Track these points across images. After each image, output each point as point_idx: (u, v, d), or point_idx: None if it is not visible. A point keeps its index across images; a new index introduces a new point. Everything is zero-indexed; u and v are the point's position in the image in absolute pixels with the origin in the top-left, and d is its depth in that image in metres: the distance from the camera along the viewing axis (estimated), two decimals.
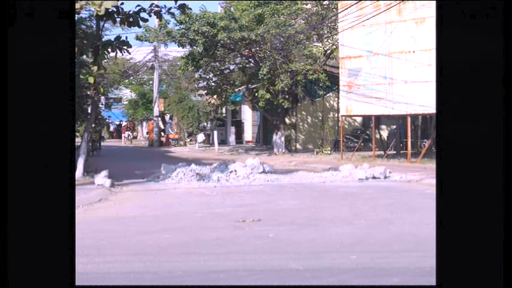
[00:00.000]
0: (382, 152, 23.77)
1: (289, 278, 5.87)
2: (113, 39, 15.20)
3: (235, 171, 15.63)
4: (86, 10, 15.83)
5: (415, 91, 19.97)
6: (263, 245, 7.47)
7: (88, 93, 18.84)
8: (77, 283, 4.27)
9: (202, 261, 6.58)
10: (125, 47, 15.01)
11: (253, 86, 27.51)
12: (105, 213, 10.46)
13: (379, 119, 25.47)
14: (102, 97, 31.71)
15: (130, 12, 14.58)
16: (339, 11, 23.25)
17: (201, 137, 38.31)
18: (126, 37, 14.95)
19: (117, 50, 14.98)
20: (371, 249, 7.17)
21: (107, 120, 40.31)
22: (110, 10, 13.81)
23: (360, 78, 21.82)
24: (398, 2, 20.38)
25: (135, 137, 52.51)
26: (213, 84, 28.74)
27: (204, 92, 31.58)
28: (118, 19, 14.46)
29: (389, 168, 16.63)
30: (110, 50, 14.92)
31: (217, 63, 27.39)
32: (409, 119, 21.32)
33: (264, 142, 33.78)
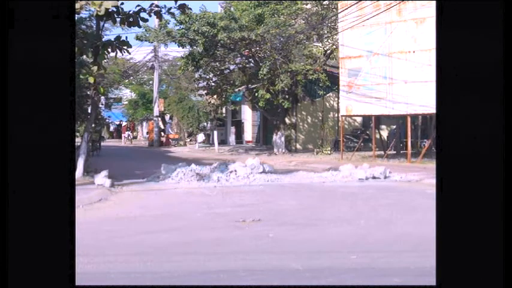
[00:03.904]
0: (382, 152, 23.77)
1: (289, 278, 5.87)
2: (113, 39, 15.20)
3: (235, 171, 15.63)
4: (86, 10, 15.82)
5: (415, 91, 19.97)
6: (263, 245, 7.47)
7: (88, 93, 18.82)
8: (77, 283, 4.26)
9: (202, 261, 6.58)
10: (125, 47, 15.00)
11: (253, 86, 27.51)
12: (105, 213, 10.46)
13: (379, 119, 25.46)
14: (102, 97, 31.66)
15: (131, 12, 14.57)
16: (339, 11, 23.25)
17: (201, 137, 38.29)
18: (126, 37, 14.95)
19: (117, 50, 14.98)
20: (371, 249, 7.18)
21: (107, 120, 40.26)
22: (110, 10, 13.81)
23: (360, 78, 21.82)
24: (398, 2, 20.38)
25: (135, 137, 52.49)
26: (213, 84, 28.73)
27: (204, 92, 31.57)
28: (118, 19, 14.46)
29: (389, 168, 16.63)
30: (110, 50, 14.92)
31: (217, 63, 27.38)
32: (409, 119, 21.32)
33: (264, 142, 33.77)
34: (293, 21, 25.66)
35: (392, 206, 10.78)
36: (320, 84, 26.62)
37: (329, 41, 27.06)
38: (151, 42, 31.41)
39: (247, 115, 37.01)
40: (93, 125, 17.95)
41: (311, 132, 30.55)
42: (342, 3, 22.90)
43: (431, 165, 18.32)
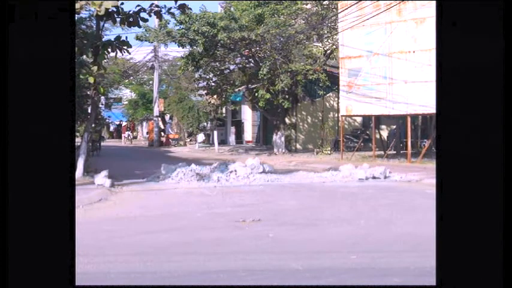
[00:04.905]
0: (382, 152, 23.76)
1: (289, 278, 5.87)
2: (113, 39, 15.20)
3: (235, 171, 15.63)
4: (86, 10, 15.83)
5: (415, 91, 19.97)
6: (263, 245, 7.47)
7: (88, 93, 18.83)
8: (77, 283, 4.26)
9: (202, 261, 6.58)
10: (125, 47, 15.01)
11: (253, 86, 27.51)
12: (105, 213, 10.46)
13: (379, 119, 25.46)
14: (102, 97, 31.69)
15: (131, 12, 14.58)
16: (339, 11, 23.25)
17: (201, 137, 38.29)
18: (126, 37, 14.96)
19: (117, 50, 14.98)
20: (371, 249, 7.18)
21: (107, 120, 40.27)
22: (110, 10, 13.81)
23: (360, 78, 21.82)
24: (398, 2, 20.38)
25: (135, 137, 52.49)
26: (213, 84, 28.73)
27: (204, 92, 31.58)
28: (118, 19, 14.47)
29: (389, 168, 16.63)
30: (110, 50, 14.92)
31: (217, 63, 27.38)
32: (409, 119, 21.32)
33: (264, 142, 33.77)
34: (293, 21, 25.65)
35: (393, 206, 10.77)
36: (320, 84, 26.62)
37: (329, 41, 27.05)
38: (151, 42, 31.41)
39: (247, 115, 37.00)
40: (93, 125, 17.95)
41: (311, 132, 30.54)
42: (342, 3, 22.90)
43: (431, 165, 18.32)
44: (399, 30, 20.57)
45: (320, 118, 30.40)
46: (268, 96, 25.40)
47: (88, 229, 8.37)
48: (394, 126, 26.59)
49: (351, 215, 9.84)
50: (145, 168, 18.66)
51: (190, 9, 16.95)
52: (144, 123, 51.38)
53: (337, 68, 24.18)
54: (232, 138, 37.71)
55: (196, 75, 29.83)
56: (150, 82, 46.27)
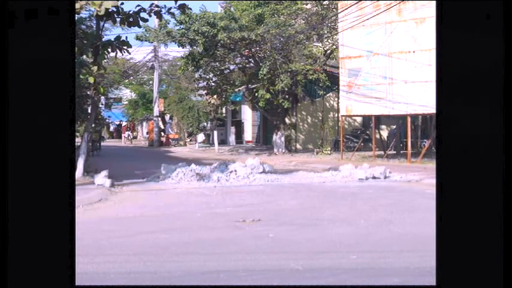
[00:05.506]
0: (382, 152, 23.77)
1: (289, 278, 5.87)
2: (113, 39, 15.21)
3: (235, 171, 15.63)
4: (86, 10, 15.84)
5: (415, 91, 19.98)
6: (263, 245, 7.47)
7: (88, 93, 18.84)
8: (77, 283, 4.27)
9: (202, 261, 6.58)
10: (125, 47, 15.02)
11: (253, 86, 27.51)
12: (105, 213, 10.46)
13: (379, 119, 25.47)
14: (102, 97, 31.66)
15: (131, 12, 14.59)
16: (339, 11, 23.25)
17: (201, 137, 38.29)
18: (126, 37, 14.97)
19: (117, 50, 14.99)
20: (371, 249, 7.18)
21: (107, 120, 40.27)
22: (110, 10, 13.82)
23: (360, 78, 21.82)
24: (398, 2, 20.38)
25: (135, 137, 52.50)
26: (213, 84, 28.73)
27: (204, 92, 31.59)
28: (118, 19, 14.48)
29: (389, 168, 16.62)
30: (110, 50, 14.93)
31: (217, 63, 27.38)
32: (409, 119, 21.32)
33: (264, 142, 33.78)
34: (293, 21, 25.65)
35: (393, 206, 10.77)
36: (320, 84, 26.63)
37: (329, 41, 27.06)
38: (151, 42, 31.43)
39: (247, 115, 37.01)
40: (93, 125, 17.96)
41: (311, 132, 30.55)
42: (342, 3, 22.91)
43: (431, 165, 18.32)
44: (399, 30, 20.57)
45: (320, 118, 30.40)
46: (268, 96, 25.40)
47: (88, 229, 8.37)
48: (394, 126, 26.59)
49: (351, 215, 9.84)
50: (145, 168, 18.66)
51: (190, 9, 16.96)
52: (144, 123, 51.38)
53: (337, 68, 24.19)
54: (232, 138, 37.71)
55: (196, 75, 29.83)
56: (150, 82, 46.28)
